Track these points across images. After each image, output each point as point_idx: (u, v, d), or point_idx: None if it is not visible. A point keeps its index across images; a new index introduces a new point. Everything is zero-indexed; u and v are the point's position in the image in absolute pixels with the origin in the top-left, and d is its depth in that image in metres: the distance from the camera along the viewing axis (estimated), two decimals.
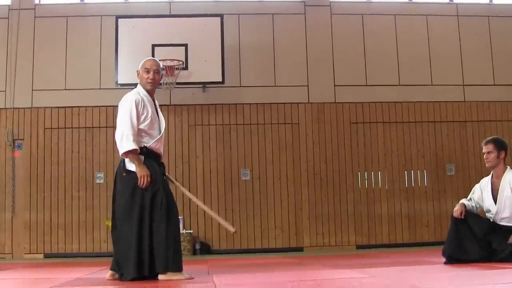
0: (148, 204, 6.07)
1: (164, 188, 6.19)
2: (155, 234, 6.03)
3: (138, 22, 13.05)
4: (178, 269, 6.02)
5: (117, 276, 6.19)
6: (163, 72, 12.20)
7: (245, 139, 13.59)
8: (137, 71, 6.58)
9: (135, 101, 6.28)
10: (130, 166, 6.20)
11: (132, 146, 6.11)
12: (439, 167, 13.82)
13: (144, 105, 6.32)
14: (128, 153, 6.14)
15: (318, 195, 13.47)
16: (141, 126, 6.28)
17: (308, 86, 13.84)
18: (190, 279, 6.00)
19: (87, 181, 13.18)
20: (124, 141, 6.13)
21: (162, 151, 6.52)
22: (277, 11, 14.13)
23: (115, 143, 6.36)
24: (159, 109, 6.62)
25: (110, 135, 12.77)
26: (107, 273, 6.32)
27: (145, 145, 6.26)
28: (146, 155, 6.24)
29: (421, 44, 14.23)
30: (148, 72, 6.45)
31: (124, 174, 6.23)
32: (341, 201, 13.49)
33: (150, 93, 6.51)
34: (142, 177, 6.08)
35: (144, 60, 6.61)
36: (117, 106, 6.40)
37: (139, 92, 6.41)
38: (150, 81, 6.45)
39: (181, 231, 12.72)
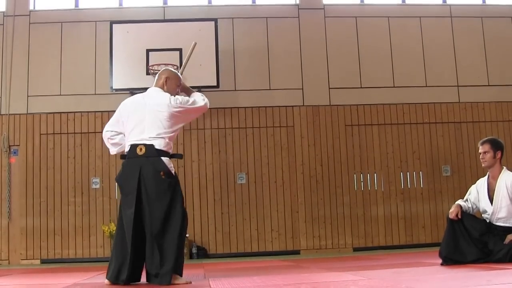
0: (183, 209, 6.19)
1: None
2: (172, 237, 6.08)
3: (133, 27, 13.06)
4: (181, 273, 6.07)
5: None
6: None
7: (241, 142, 13.60)
8: (165, 77, 6.61)
9: None
10: (171, 168, 6.24)
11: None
12: (434, 168, 13.84)
13: None
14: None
15: (314, 198, 13.48)
16: (174, 132, 6.43)
17: (302, 89, 13.86)
18: (188, 283, 6.00)
19: (83, 186, 13.18)
20: (204, 98, 6.67)
21: None
22: (271, 14, 14.15)
23: None
24: None
25: None
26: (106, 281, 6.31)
27: (170, 151, 6.35)
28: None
29: (415, 46, 14.26)
30: (178, 86, 6.70)
31: (164, 176, 6.14)
32: (337, 203, 13.51)
33: None
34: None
35: (175, 72, 6.78)
36: (112, 111, 6.46)
37: None
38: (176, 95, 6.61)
39: None
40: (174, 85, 6.62)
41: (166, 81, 6.59)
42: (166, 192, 6.13)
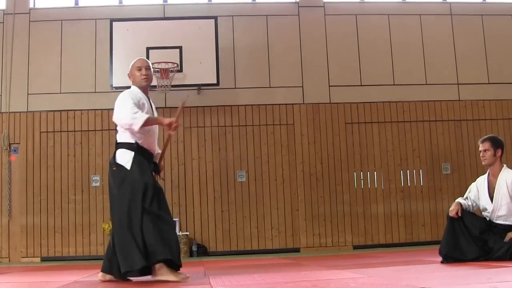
0: (139, 198, 6.10)
1: (153, 184, 6.27)
2: (146, 228, 6.04)
3: (133, 25, 13.06)
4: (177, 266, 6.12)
5: (108, 277, 6.30)
6: (158, 74, 12.30)
7: (241, 140, 13.61)
8: (128, 74, 6.71)
9: (132, 94, 6.45)
10: (120, 159, 6.30)
11: (144, 116, 6.23)
12: (434, 166, 13.85)
13: (140, 101, 6.46)
14: (145, 124, 6.23)
15: (314, 196, 13.49)
16: None
17: (302, 87, 13.86)
18: (186, 278, 6.03)
19: (83, 184, 13.19)
20: (134, 117, 6.22)
21: (155, 149, 6.65)
22: (271, 12, 14.16)
23: (111, 146, 6.48)
24: (154, 107, 6.79)
25: (106, 138, 12.82)
26: (99, 274, 6.43)
27: (137, 141, 6.35)
28: (137, 151, 6.33)
29: (415, 44, 14.26)
30: (140, 69, 6.59)
31: (114, 168, 6.33)
32: (337, 201, 13.52)
33: (145, 90, 6.65)
34: (171, 124, 6.32)
35: (132, 62, 6.74)
36: (112, 109, 6.48)
37: (132, 91, 6.52)
38: (144, 76, 6.57)
39: (178, 233, 12.76)
40: (135, 72, 6.63)
41: (129, 78, 6.74)
42: (113, 183, 6.32)
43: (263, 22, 14.06)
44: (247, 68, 13.83)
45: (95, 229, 13.02)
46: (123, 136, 6.39)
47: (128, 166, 6.24)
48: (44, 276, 8.16)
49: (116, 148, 6.42)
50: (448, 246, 7.21)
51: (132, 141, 6.33)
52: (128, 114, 6.22)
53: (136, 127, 6.17)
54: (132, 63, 6.71)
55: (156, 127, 6.65)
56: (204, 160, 13.48)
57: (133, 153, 6.29)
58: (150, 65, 6.75)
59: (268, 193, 13.49)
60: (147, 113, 6.42)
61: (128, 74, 6.71)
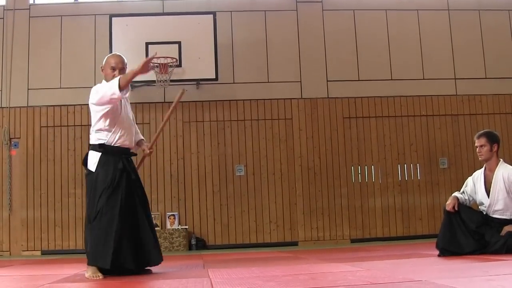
0: (103, 204, 6.29)
1: (119, 188, 6.31)
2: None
3: (132, 21, 13.09)
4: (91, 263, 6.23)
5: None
6: (157, 69, 12.34)
7: (239, 135, 13.66)
8: (101, 67, 6.63)
9: None
10: (90, 165, 6.35)
11: (115, 80, 6.16)
12: (431, 160, 13.91)
13: None
14: (123, 83, 6.10)
15: (312, 190, 13.55)
16: (99, 121, 6.45)
17: (301, 81, 13.91)
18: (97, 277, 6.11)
19: (83, 178, 13.11)
20: (110, 86, 6.18)
21: (130, 143, 6.61)
22: (269, 8, 14.18)
23: None
24: (126, 103, 6.70)
25: None
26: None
27: (104, 142, 6.40)
28: (104, 151, 6.37)
29: (412, 39, 14.30)
30: (114, 69, 6.46)
31: (85, 171, 6.47)
32: (335, 195, 13.57)
33: None
34: (146, 63, 6.14)
35: (108, 56, 6.66)
36: None
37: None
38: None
39: (177, 227, 12.84)
40: (107, 70, 6.54)
41: (102, 71, 6.65)
42: (86, 184, 6.45)
43: (261, 18, 14.10)
44: (246, 63, 13.87)
45: None
46: (92, 138, 6.46)
47: (93, 168, 6.32)
48: (44, 269, 8.21)
49: (88, 150, 6.50)
50: (445, 239, 7.27)
51: (100, 142, 6.38)
52: (106, 89, 6.19)
53: (117, 91, 6.07)
54: (106, 58, 6.61)
55: (125, 122, 6.56)
56: (203, 154, 13.53)
57: (99, 154, 6.33)
58: (125, 64, 6.56)
59: (266, 187, 13.55)
60: (121, 109, 6.46)
61: (101, 67, 6.62)
